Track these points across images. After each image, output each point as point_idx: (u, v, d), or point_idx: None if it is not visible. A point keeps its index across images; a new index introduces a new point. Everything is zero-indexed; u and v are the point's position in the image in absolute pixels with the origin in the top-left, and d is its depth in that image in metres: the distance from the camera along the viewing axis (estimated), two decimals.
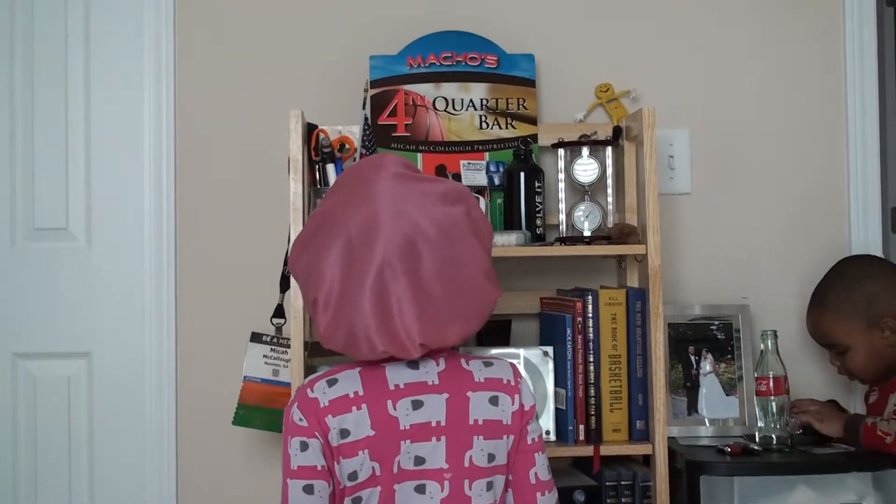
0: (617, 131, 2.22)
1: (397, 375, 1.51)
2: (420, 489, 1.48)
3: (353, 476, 1.48)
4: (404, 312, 1.45)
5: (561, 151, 2.20)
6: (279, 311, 2.16)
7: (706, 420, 2.20)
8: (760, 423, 2.08)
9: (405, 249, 1.46)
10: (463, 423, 1.50)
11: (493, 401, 1.53)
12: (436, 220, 1.48)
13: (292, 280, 2.00)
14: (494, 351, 2.08)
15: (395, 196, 1.48)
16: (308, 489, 1.48)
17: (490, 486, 1.51)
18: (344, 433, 1.47)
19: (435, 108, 2.28)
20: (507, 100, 2.30)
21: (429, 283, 1.46)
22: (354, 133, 2.19)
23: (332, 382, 1.51)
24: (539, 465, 1.56)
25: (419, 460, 1.48)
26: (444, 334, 1.49)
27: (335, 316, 1.48)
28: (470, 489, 1.49)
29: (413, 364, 1.52)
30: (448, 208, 1.49)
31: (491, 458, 1.51)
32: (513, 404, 1.54)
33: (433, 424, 1.49)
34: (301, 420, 1.49)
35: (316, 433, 1.48)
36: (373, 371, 1.52)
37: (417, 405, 1.49)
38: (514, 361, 2.01)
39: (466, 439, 1.50)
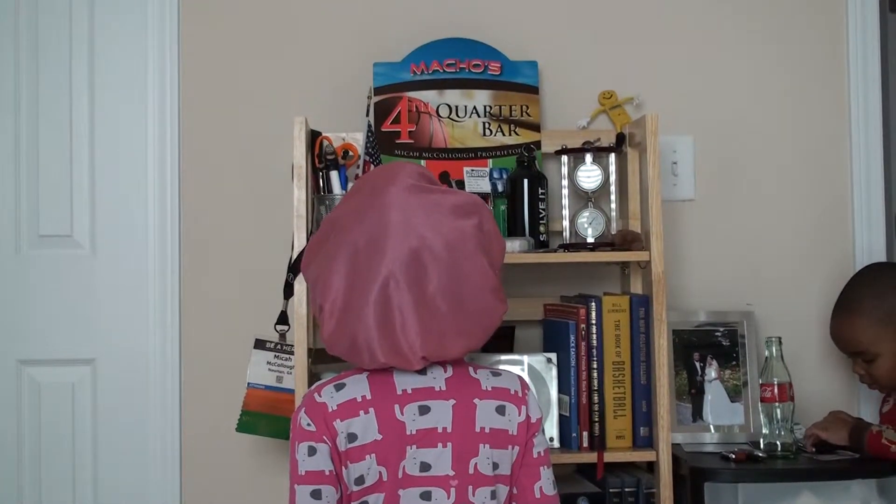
0: (620, 138, 2.22)
1: (405, 380, 1.51)
2: (426, 496, 1.48)
3: (359, 481, 1.48)
4: (407, 326, 1.46)
5: (564, 158, 2.20)
6: (283, 318, 2.16)
7: (711, 426, 2.20)
8: (765, 430, 2.08)
9: (411, 263, 1.46)
10: (469, 430, 1.50)
11: (500, 410, 1.53)
12: (444, 234, 1.48)
13: (296, 287, 2.00)
14: (498, 357, 2.08)
15: (404, 208, 1.48)
16: (316, 494, 1.48)
17: (494, 494, 1.51)
18: (351, 437, 1.47)
19: (438, 115, 2.29)
20: (510, 106, 2.30)
21: (433, 298, 1.46)
22: (358, 140, 2.19)
23: (339, 387, 1.51)
24: (544, 479, 1.55)
25: (425, 466, 1.48)
26: (446, 348, 1.49)
27: (339, 324, 1.49)
28: (474, 496, 1.49)
29: (421, 370, 1.52)
30: (459, 222, 1.49)
31: (495, 466, 1.51)
32: (519, 415, 1.54)
33: (439, 430, 1.49)
34: (309, 425, 1.49)
35: (324, 437, 1.48)
36: (380, 376, 1.52)
37: (424, 410, 1.50)
38: (518, 368, 2.04)
39: (472, 446, 1.50)
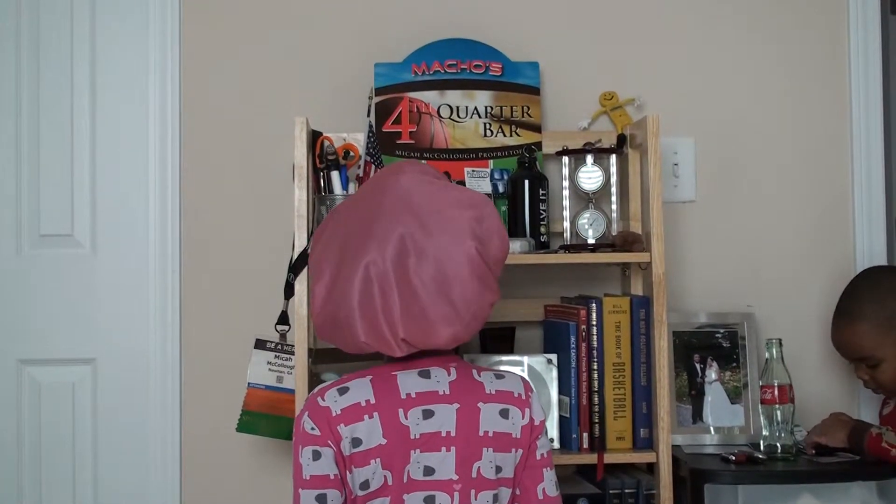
0: (621, 139, 2.22)
1: (409, 384, 1.51)
2: (429, 500, 1.48)
3: (365, 485, 1.48)
4: (388, 306, 1.46)
5: (565, 159, 2.20)
6: (283, 318, 2.15)
7: (711, 428, 2.20)
8: (765, 432, 2.08)
9: (398, 246, 1.47)
10: (472, 433, 1.50)
11: (504, 413, 1.53)
12: (437, 221, 1.48)
13: (297, 287, 2.00)
14: (498, 358, 2.08)
15: (402, 196, 1.50)
16: (321, 499, 1.47)
17: (496, 498, 1.51)
18: (356, 442, 1.47)
19: (439, 116, 2.29)
20: (511, 107, 2.30)
21: (417, 281, 1.46)
22: (359, 140, 2.19)
23: (343, 391, 1.51)
24: (547, 480, 1.56)
25: (428, 470, 1.48)
26: (430, 334, 1.48)
27: (325, 303, 1.51)
28: (476, 499, 1.49)
29: (424, 373, 1.52)
30: (456, 212, 1.50)
31: (498, 469, 1.51)
32: (523, 418, 1.54)
33: (443, 434, 1.49)
34: (313, 429, 1.49)
35: (329, 442, 1.48)
36: (384, 379, 1.52)
37: (428, 414, 1.49)
38: (518, 369, 2.04)
39: (475, 450, 1.50)
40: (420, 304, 1.46)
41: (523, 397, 1.55)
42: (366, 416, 1.48)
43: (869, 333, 2.10)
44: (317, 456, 1.48)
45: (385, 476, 1.47)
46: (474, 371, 1.56)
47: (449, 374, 1.53)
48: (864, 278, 2.20)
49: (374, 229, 1.48)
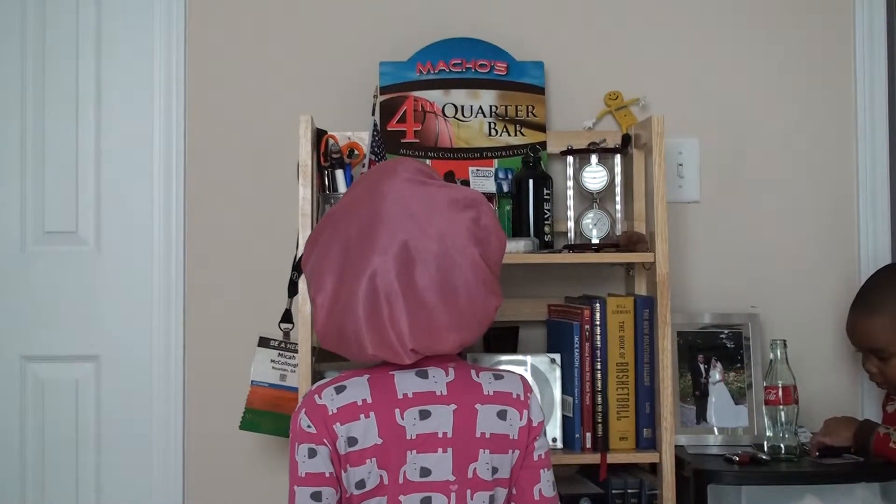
0: (626, 139, 2.22)
1: (406, 384, 1.50)
2: (426, 501, 1.48)
3: (360, 484, 1.47)
4: (395, 317, 1.45)
5: (570, 159, 2.20)
6: (287, 316, 2.16)
7: (715, 429, 2.19)
8: (769, 433, 2.07)
9: (401, 255, 1.46)
10: (469, 435, 1.50)
11: (501, 415, 1.52)
12: (437, 226, 1.47)
13: (300, 285, 2.00)
14: (501, 357, 2.08)
15: (399, 200, 1.48)
16: (316, 496, 1.47)
17: (492, 499, 1.50)
18: (352, 441, 1.47)
19: (444, 115, 2.28)
20: (516, 107, 2.30)
21: (422, 290, 1.46)
22: (363, 139, 2.19)
23: (340, 389, 1.50)
24: (544, 481, 1.55)
25: (425, 471, 1.48)
26: (437, 341, 1.48)
27: (329, 316, 1.50)
28: (472, 499, 1.49)
29: (422, 373, 1.52)
30: (453, 215, 1.49)
31: (494, 471, 1.51)
32: (521, 419, 1.54)
33: (439, 435, 1.49)
34: (309, 427, 1.48)
35: (324, 440, 1.47)
36: (381, 378, 1.51)
37: (425, 415, 1.49)
38: (521, 368, 2.04)
39: (472, 452, 1.49)
40: (427, 312, 1.46)
41: (522, 398, 1.55)
42: (361, 416, 1.47)
43: (886, 327, 2.09)
44: (312, 454, 1.48)
45: (381, 476, 1.47)
46: (473, 371, 1.55)
47: (447, 375, 1.52)
48: (888, 272, 2.19)
49: (375, 237, 1.47)
